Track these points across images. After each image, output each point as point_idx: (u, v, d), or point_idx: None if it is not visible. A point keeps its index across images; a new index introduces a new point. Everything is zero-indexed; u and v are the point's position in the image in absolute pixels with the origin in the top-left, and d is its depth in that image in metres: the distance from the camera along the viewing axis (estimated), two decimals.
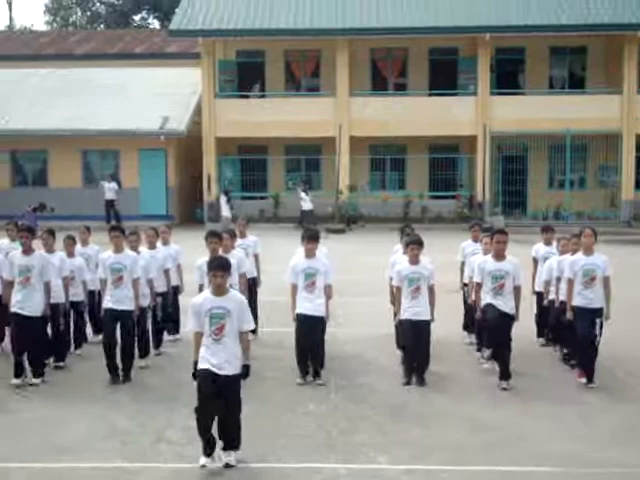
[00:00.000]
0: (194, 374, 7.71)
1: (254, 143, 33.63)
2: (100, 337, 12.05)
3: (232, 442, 7.75)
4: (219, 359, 7.54)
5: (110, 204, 31.20)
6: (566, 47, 33.87)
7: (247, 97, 33.84)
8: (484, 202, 32.36)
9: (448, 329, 12.66)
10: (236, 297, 7.79)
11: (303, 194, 30.05)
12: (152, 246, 12.21)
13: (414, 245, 10.58)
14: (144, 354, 11.48)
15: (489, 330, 10.59)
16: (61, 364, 11.36)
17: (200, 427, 7.59)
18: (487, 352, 11.01)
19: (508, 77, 34.30)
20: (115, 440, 8.52)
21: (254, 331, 11.47)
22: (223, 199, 29.59)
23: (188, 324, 7.85)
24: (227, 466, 7.67)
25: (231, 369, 7.57)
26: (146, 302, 11.37)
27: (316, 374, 10.62)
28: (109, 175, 32.13)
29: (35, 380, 10.46)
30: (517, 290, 10.42)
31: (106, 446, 8.35)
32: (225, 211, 29.20)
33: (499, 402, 9.86)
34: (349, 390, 10.39)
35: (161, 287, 12.11)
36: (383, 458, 8.04)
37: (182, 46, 40.72)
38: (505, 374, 10.32)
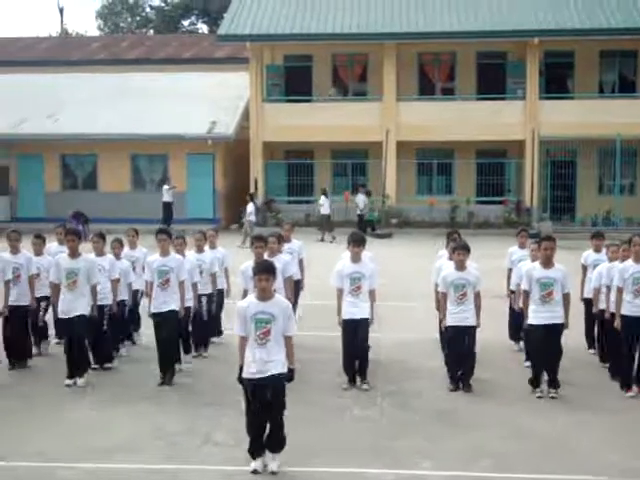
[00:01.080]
0: (239, 378, 7.76)
1: (301, 148, 33.74)
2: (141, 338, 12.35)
3: (276, 443, 7.77)
4: (263, 363, 7.58)
5: (168, 206, 31.48)
6: (616, 51, 33.43)
7: (295, 101, 33.90)
8: (532, 207, 32.08)
9: (494, 335, 12.59)
10: (281, 302, 7.82)
11: (323, 198, 29.98)
12: (200, 250, 12.33)
13: (461, 250, 10.53)
14: (186, 352, 11.61)
15: (532, 351, 10.57)
16: (109, 365, 11.51)
17: (251, 431, 7.70)
18: (527, 363, 10.98)
19: (557, 81, 33.98)
20: (163, 442, 8.62)
21: None
22: (251, 205, 29.62)
23: (234, 328, 7.91)
24: (271, 473, 7.71)
25: (275, 370, 7.60)
26: (190, 304, 11.47)
27: (362, 378, 10.62)
28: (168, 178, 32.45)
29: (80, 381, 10.61)
30: (566, 298, 10.28)
31: (154, 448, 8.45)
32: (251, 216, 29.26)
33: (545, 410, 9.78)
34: (395, 395, 10.39)
35: (207, 290, 12.24)
36: (428, 464, 8.02)
37: (230, 51, 40.98)
38: (554, 382, 10.21)
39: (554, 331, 10.15)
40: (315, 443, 8.57)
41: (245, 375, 7.67)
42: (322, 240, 27.59)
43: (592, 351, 12.29)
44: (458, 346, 10.44)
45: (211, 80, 36.26)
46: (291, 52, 34.89)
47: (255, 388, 7.59)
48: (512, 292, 12.15)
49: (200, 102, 34.24)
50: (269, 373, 7.57)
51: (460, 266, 10.52)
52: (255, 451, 7.75)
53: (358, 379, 10.64)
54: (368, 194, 31.24)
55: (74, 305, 10.62)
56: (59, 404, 9.92)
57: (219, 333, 13.08)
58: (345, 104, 33.84)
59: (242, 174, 33.50)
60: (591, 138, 31.26)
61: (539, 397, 10.18)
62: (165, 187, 31.65)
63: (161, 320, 10.78)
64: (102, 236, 11.68)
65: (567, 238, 23.71)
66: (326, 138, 32.42)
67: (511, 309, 12.37)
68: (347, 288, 10.58)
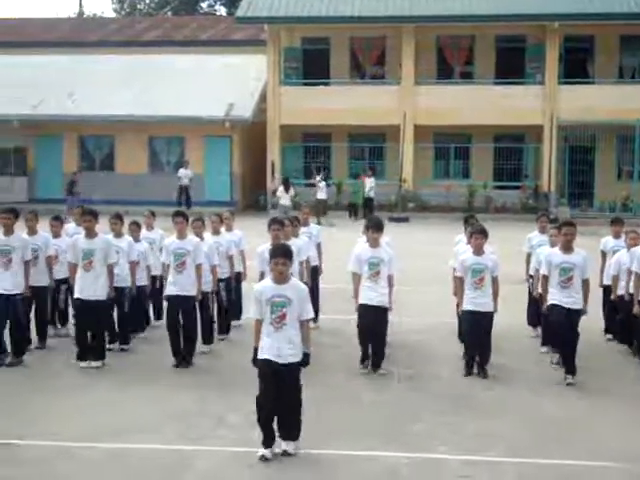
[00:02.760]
0: (254, 360, 7.71)
1: (318, 131, 33.66)
2: (161, 321, 12.32)
3: (291, 432, 7.69)
4: (279, 348, 7.53)
5: (185, 190, 31.62)
6: (637, 36, 33.05)
7: (312, 84, 33.80)
8: (550, 193, 31.92)
9: (512, 321, 12.54)
10: (297, 285, 7.77)
11: (322, 183, 29.74)
12: (216, 232, 12.29)
13: (478, 235, 10.43)
14: (207, 340, 11.56)
15: (555, 333, 10.42)
16: (126, 347, 11.56)
17: (262, 417, 7.60)
18: (556, 357, 10.80)
19: (577, 66, 33.69)
20: (177, 423, 8.64)
21: (315, 319, 11.51)
22: (281, 188, 29.59)
23: (250, 311, 7.87)
24: (285, 453, 7.64)
25: (291, 357, 7.56)
26: (209, 288, 11.45)
27: (377, 366, 10.53)
28: (185, 161, 32.57)
29: (96, 363, 10.62)
30: (586, 283, 10.16)
31: (168, 429, 8.46)
32: (284, 200, 29.19)
33: (562, 396, 9.73)
34: (412, 379, 10.38)
35: (225, 274, 12.20)
36: (444, 448, 8.01)
37: (248, 33, 40.83)
38: (571, 368, 10.09)
39: (572, 316, 10.04)
40: (331, 426, 8.57)
41: (260, 357, 7.61)
42: (319, 223, 27.39)
43: (610, 336, 12.22)
44: (475, 331, 10.39)
45: (229, 62, 36.15)
46: (309, 35, 34.76)
47: (270, 371, 7.52)
48: (531, 277, 12.06)
49: (218, 84, 34.20)
50: (285, 361, 7.52)
51: (478, 250, 10.43)
52: (265, 440, 7.64)
53: (371, 366, 10.56)
54: (355, 176, 30.99)
55: (91, 287, 10.61)
56: (75, 385, 9.95)
57: (238, 317, 13.00)
58: (363, 87, 33.74)
59: (259, 157, 33.49)
60: (610, 124, 31.05)
61: (569, 384, 10.01)
62: (183, 170, 31.75)
63: (178, 303, 10.76)
64: (120, 217, 11.70)
65: (585, 224, 23.57)
66: (343, 121, 32.32)
67: (530, 294, 12.29)
68: (365, 273, 10.47)
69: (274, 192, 30.83)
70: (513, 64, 33.17)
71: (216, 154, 33.19)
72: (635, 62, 33.91)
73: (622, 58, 33.84)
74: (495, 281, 10.48)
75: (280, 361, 7.51)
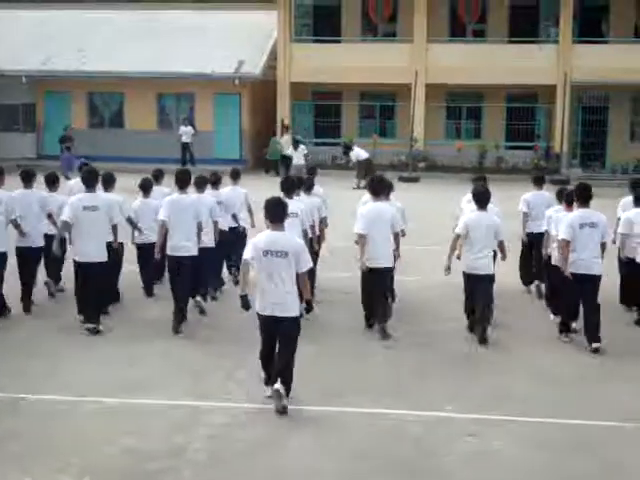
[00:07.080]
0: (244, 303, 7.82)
1: (328, 89, 33.36)
2: None
3: (284, 379, 7.68)
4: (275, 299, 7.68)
5: (186, 147, 31.49)
6: None
7: (323, 42, 33.39)
8: (562, 154, 31.62)
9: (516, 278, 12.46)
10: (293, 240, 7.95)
11: (355, 146, 29.18)
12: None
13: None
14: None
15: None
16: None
17: (261, 359, 8.03)
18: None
19: (592, 24, 33.15)
20: (186, 378, 8.65)
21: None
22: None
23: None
24: (277, 392, 7.59)
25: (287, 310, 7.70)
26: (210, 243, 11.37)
27: (379, 321, 10.29)
28: (185, 119, 32.37)
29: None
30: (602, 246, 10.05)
31: (177, 384, 8.48)
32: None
33: (570, 356, 9.68)
34: (418, 338, 10.35)
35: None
36: (451, 407, 7.99)
37: None
38: (594, 335, 9.76)
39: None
40: (337, 384, 8.57)
41: (259, 312, 7.82)
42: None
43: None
44: (474, 294, 10.27)
45: (239, 19, 35.69)
46: None
47: (265, 324, 7.84)
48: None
49: (228, 41, 33.81)
50: (281, 315, 7.71)
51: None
52: (267, 379, 7.95)
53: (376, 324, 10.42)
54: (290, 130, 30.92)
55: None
56: (86, 340, 9.94)
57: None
58: (374, 45, 33.35)
59: (269, 115, 33.25)
60: (625, 84, 30.65)
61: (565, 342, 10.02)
62: (183, 128, 31.54)
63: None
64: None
65: (596, 186, 23.28)
66: (354, 79, 31.95)
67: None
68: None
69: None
70: (527, 22, 32.68)
71: (226, 111, 32.95)
72: None
73: (638, 17, 33.27)
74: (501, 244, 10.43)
75: (277, 315, 7.72)
